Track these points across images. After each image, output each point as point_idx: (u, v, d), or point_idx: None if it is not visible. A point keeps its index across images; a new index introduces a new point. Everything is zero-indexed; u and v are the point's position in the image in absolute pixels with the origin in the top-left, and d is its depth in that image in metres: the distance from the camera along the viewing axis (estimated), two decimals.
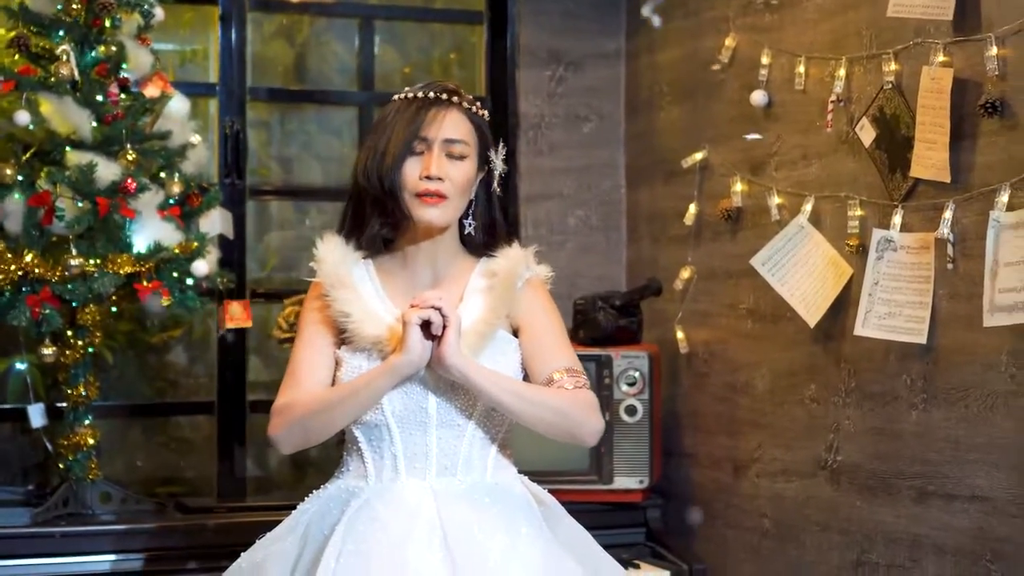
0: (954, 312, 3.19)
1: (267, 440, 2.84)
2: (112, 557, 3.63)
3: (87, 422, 3.77)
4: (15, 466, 4.22)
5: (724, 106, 4.11)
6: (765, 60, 3.85)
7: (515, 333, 2.85)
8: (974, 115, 3.09)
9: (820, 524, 3.68)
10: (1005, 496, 3.06)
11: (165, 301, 3.62)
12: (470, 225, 2.88)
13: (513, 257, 2.86)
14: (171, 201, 3.72)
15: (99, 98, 3.63)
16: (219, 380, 4.37)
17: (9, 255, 3.54)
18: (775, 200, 3.79)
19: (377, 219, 2.82)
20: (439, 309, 2.66)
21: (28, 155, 3.60)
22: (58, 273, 3.53)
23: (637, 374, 4.07)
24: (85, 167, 3.51)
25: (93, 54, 3.67)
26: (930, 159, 3.20)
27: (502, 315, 2.81)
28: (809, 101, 3.69)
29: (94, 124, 3.61)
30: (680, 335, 4.26)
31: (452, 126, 2.79)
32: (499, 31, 4.72)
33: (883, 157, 3.39)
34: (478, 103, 2.88)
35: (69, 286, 3.54)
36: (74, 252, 3.55)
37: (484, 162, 2.86)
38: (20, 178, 3.54)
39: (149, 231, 3.62)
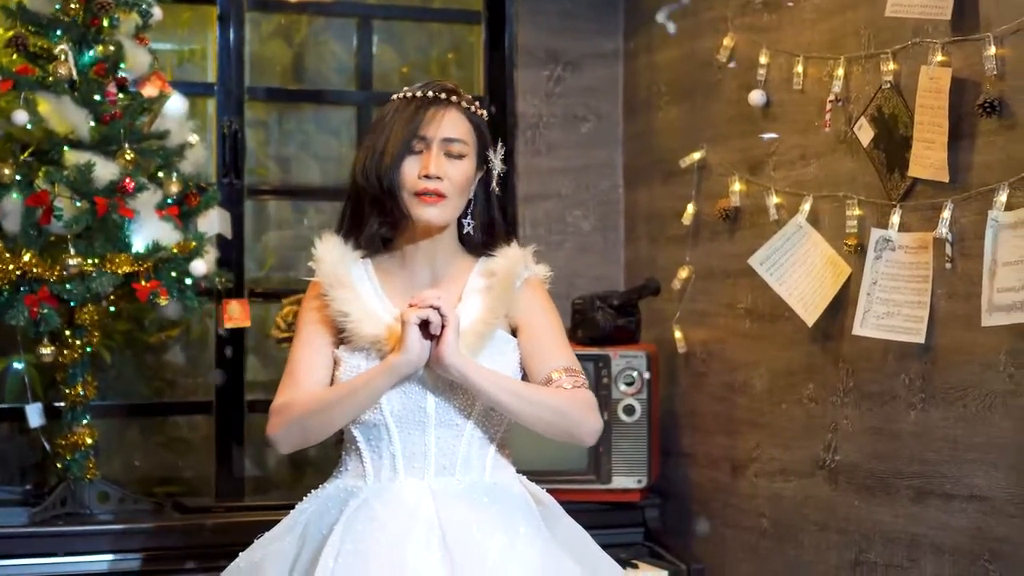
0: (952, 312, 3.19)
1: (265, 440, 2.84)
2: (110, 557, 3.63)
3: (85, 422, 3.77)
4: (13, 466, 4.21)
5: (722, 106, 4.11)
6: (763, 60, 3.85)
7: (513, 333, 2.85)
8: (972, 115, 3.09)
9: (818, 524, 3.68)
10: (1003, 496, 3.06)
11: (163, 301, 3.62)
12: (469, 224, 2.88)
13: (512, 257, 2.86)
14: (169, 201, 3.72)
15: (97, 98, 3.63)
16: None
17: (7, 255, 3.54)
18: (773, 200, 3.79)
19: (376, 218, 2.82)
20: (438, 309, 2.66)
21: (26, 155, 3.60)
22: (56, 273, 3.53)
23: (635, 374, 4.07)
24: (83, 167, 3.51)
25: (91, 54, 3.67)
26: (928, 159, 3.20)
27: (501, 315, 2.81)
28: (807, 101, 3.70)
29: (92, 124, 3.61)
30: (678, 335, 4.26)
31: (451, 125, 2.79)
32: (497, 31, 4.72)
33: (881, 157, 3.39)
34: (477, 103, 2.88)
35: (67, 286, 3.53)
36: (72, 252, 3.54)
37: (483, 161, 2.86)
38: (18, 178, 3.54)
39: (147, 231, 3.62)
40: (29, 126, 3.56)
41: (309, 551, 2.70)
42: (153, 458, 4.57)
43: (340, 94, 4.93)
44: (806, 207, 3.64)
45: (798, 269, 3.63)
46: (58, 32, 3.65)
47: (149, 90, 3.77)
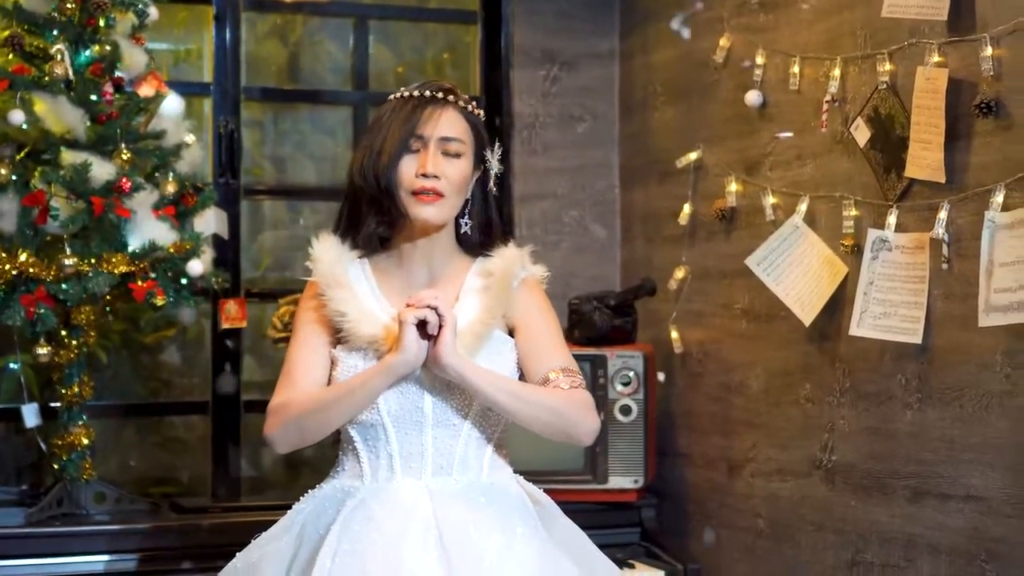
0: (949, 312, 3.19)
1: (262, 439, 2.83)
2: (106, 557, 3.63)
3: (81, 422, 3.77)
4: (9, 466, 4.21)
5: (718, 106, 4.11)
6: (760, 60, 3.85)
7: (511, 333, 2.85)
8: (969, 115, 3.10)
9: (815, 524, 3.68)
10: (1000, 496, 3.06)
11: (160, 301, 3.61)
12: (466, 224, 2.88)
13: (509, 257, 2.86)
14: (166, 200, 3.72)
15: (93, 97, 3.63)
16: (213, 380, 4.37)
17: (3, 255, 3.53)
18: (770, 200, 3.79)
19: (373, 218, 2.82)
20: (435, 309, 2.65)
21: (22, 155, 3.60)
22: (53, 273, 3.53)
23: (632, 374, 4.07)
24: (80, 166, 3.50)
25: (87, 53, 3.66)
26: (925, 159, 3.20)
27: (498, 315, 2.80)
28: (804, 101, 3.70)
29: (88, 123, 3.61)
30: (674, 335, 4.27)
31: (448, 124, 2.79)
32: (493, 31, 4.73)
33: (878, 157, 3.39)
34: (474, 102, 2.88)
35: (64, 286, 3.53)
36: (69, 252, 3.54)
37: (480, 161, 2.86)
38: (14, 178, 3.54)
39: (144, 231, 3.62)
40: (25, 126, 3.55)
41: (306, 551, 2.70)
42: (149, 458, 4.57)
43: (336, 94, 4.93)
44: (803, 207, 3.64)
45: (795, 269, 3.63)
46: (54, 32, 3.64)
47: (145, 90, 3.76)
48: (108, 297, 3.70)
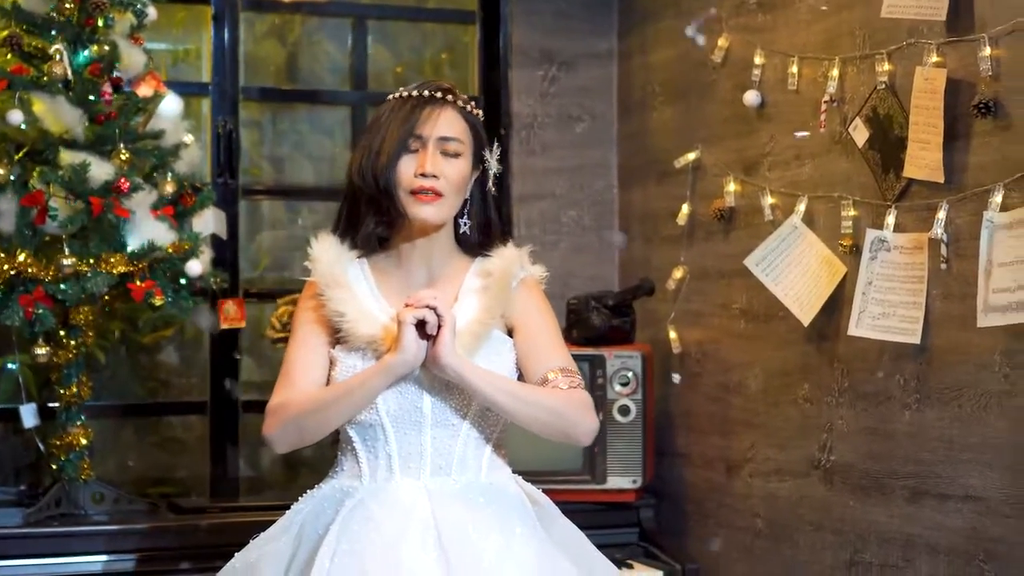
0: (947, 312, 3.19)
1: (261, 439, 2.83)
2: (104, 557, 3.62)
3: (80, 422, 3.76)
4: (7, 466, 4.21)
5: (717, 106, 4.11)
6: (758, 60, 3.86)
7: (509, 333, 2.85)
8: (967, 115, 3.10)
9: (813, 524, 3.68)
10: (998, 496, 3.06)
11: (158, 301, 3.61)
12: (465, 224, 2.88)
13: (508, 257, 2.86)
14: (164, 200, 3.72)
15: (92, 98, 3.62)
16: (212, 380, 4.37)
17: (2, 255, 3.53)
18: (768, 200, 3.79)
19: (372, 218, 2.82)
20: (434, 309, 2.65)
21: (21, 155, 3.60)
22: (51, 273, 3.53)
23: (630, 374, 4.07)
24: (78, 167, 3.50)
25: (86, 53, 3.66)
26: (923, 159, 3.20)
27: (497, 315, 2.81)
28: (802, 101, 3.70)
29: (87, 123, 3.61)
30: (673, 335, 4.26)
31: (447, 124, 2.80)
32: (491, 31, 4.72)
33: (876, 157, 3.39)
34: (472, 102, 2.88)
35: (62, 286, 3.53)
36: (67, 252, 3.54)
37: (479, 161, 2.86)
38: (13, 178, 3.53)
39: (142, 231, 3.62)
40: (24, 126, 3.55)
41: (305, 551, 2.70)
42: (148, 459, 4.57)
43: (334, 94, 4.93)
44: (801, 207, 3.65)
45: (794, 270, 3.64)
46: (53, 32, 3.64)
47: (144, 90, 3.76)
48: (107, 297, 3.70)
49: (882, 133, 3.37)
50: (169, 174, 3.76)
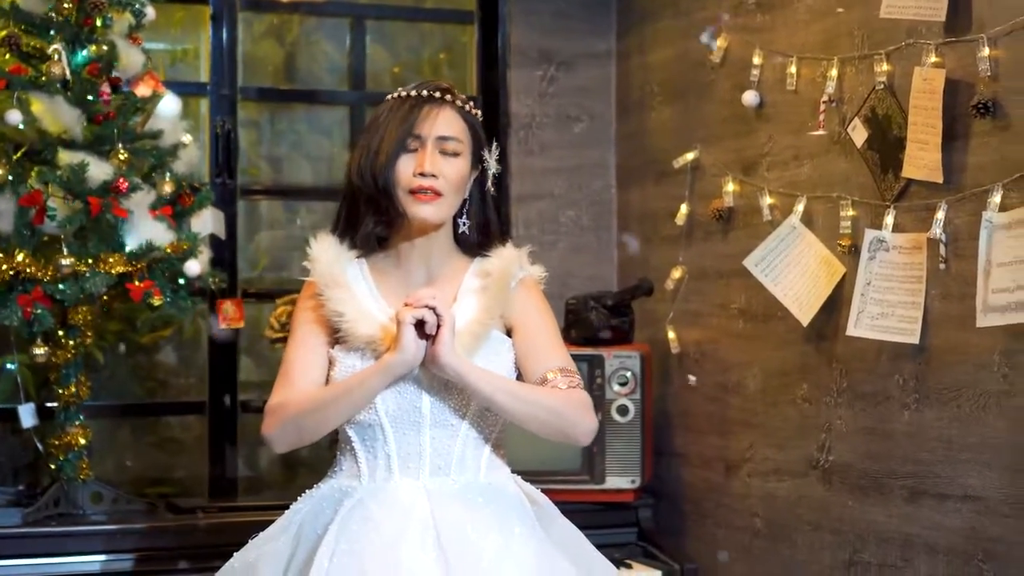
0: (946, 312, 3.19)
1: (260, 439, 2.83)
2: (103, 557, 3.63)
3: (78, 422, 3.76)
4: (6, 466, 4.20)
5: (715, 106, 4.11)
6: (757, 60, 3.86)
7: (508, 333, 2.85)
8: (966, 116, 3.10)
9: (812, 524, 3.68)
10: (997, 496, 3.06)
11: (157, 301, 3.61)
12: (464, 224, 2.88)
13: (507, 257, 2.86)
14: (163, 200, 3.72)
15: (90, 97, 3.62)
16: (210, 380, 4.36)
17: (1, 255, 3.53)
18: (767, 200, 3.79)
19: (371, 218, 2.82)
20: (433, 308, 2.65)
21: (19, 154, 3.59)
22: (50, 273, 3.52)
23: (629, 374, 4.07)
24: (77, 167, 3.50)
25: (84, 53, 3.66)
26: (922, 159, 3.20)
27: (496, 315, 2.80)
28: (801, 101, 3.70)
29: (85, 123, 3.61)
30: (671, 335, 4.26)
31: (445, 123, 2.79)
32: (490, 31, 4.72)
33: (875, 157, 3.39)
34: (471, 102, 2.88)
35: (61, 286, 3.52)
36: (66, 252, 3.54)
37: (478, 161, 2.86)
38: (11, 178, 3.53)
39: (141, 231, 3.61)
40: (22, 126, 3.55)
41: (304, 551, 2.70)
42: (146, 458, 4.57)
43: (332, 94, 4.93)
44: (800, 208, 3.65)
45: (793, 270, 3.64)
46: (51, 32, 3.64)
47: (142, 90, 3.76)
48: (105, 297, 3.69)
49: (881, 133, 3.37)
50: (167, 174, 3.76)
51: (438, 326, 2.65)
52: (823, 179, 3.61)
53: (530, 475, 2.93)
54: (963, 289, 3.11)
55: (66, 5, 3.63)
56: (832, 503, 3.60)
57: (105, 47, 3.67)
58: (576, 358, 2.92)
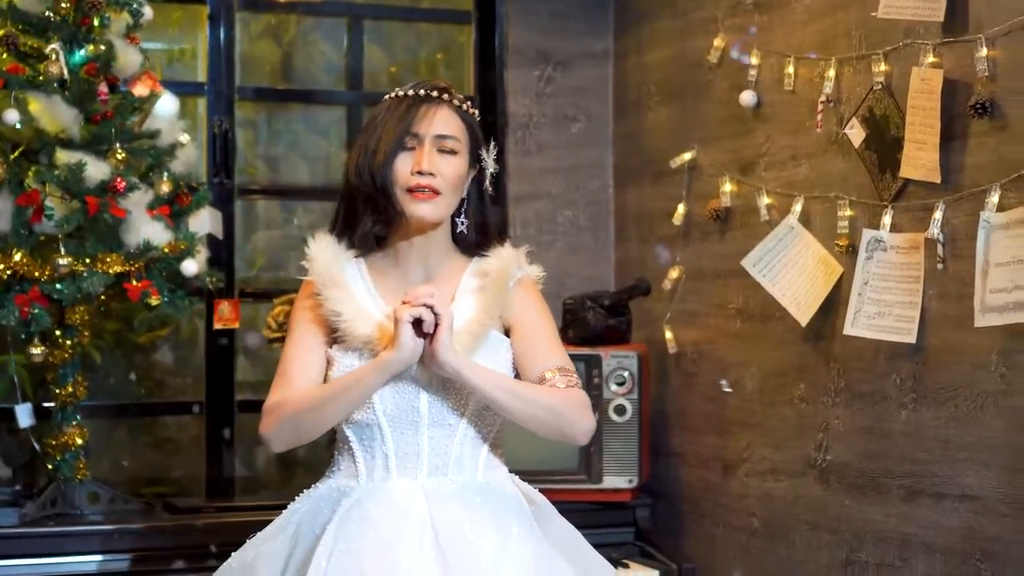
0: (944, 312, 3.19)
1: (258, 439, 2.83)
2: (100, 557, 3.62)
3: (75, 422, 3.76)
4: (3, 466, 4.20)
5: (713, 106, 4.11)
6: (754, 60, 3.86)
7: (507, 333, 2.85)
8: (964, 116, 3.10)
9: (809, 523, 3.68)
10: (995, 495, 3.07)
11: (154, 300, 3.61)
12: (462, 224, 2.88)
13: (505, 257, 2.86)
14: (160, 200, 3.71)
15: (88, 97, 3.62)
16: (207, 380, 4.36)
17: None
18: (764, 200, 3.80)
19: (369, 217, 2.82)
20: (431, 307, 2.65)
21: (16, 154, 3.59)
22: (47, 272, 3.52)
23: (626, 374, 4.07)
24: (74, 166, 3.50)
25: (82, 53, 3.66)
26: (920, 159, 3.20)
27: (495, 315, 2.80)
28: (799, 102, 3.70)
29: (83, 123, 3.61)
30: (669, 335, 4.27)
31: (443, 122, 2.80)
32: (487, 31, 4.72)
33: (873, 157, 3.40)
34: (469, 102, 2.88)
35: (58, 285, 3.53)
36: (63, 251, 3.54)
37: (475, 160, 2.86)
38: (8, 177, 3.53)
39: (138, 230, 3.61)
40: (19, 125, 3.55)
41: (302, 551, 2.70)
42: (143, 458, 4.57)
43: (329, 94, 4.93)
44: (797, 208, 3.65)
45: (791, 270, 3.64)
46: (49, 31, 3.63)
47: (140, 89, 3.76)
48: (102, 297, 3.69)
49: (878, 133, 3.37)
50: (165, 174, 3.76)
51: (436, 324, 2.65)
52: (821, 179, 3.61)
53: (528, 474, 2.93)
54: (961, 289, 3.12)
55: (64, 5, 3.63)
56: (829, 503, 3.60)
57: (103, 47, 3.67)
58: (574, 358, 2.93)
